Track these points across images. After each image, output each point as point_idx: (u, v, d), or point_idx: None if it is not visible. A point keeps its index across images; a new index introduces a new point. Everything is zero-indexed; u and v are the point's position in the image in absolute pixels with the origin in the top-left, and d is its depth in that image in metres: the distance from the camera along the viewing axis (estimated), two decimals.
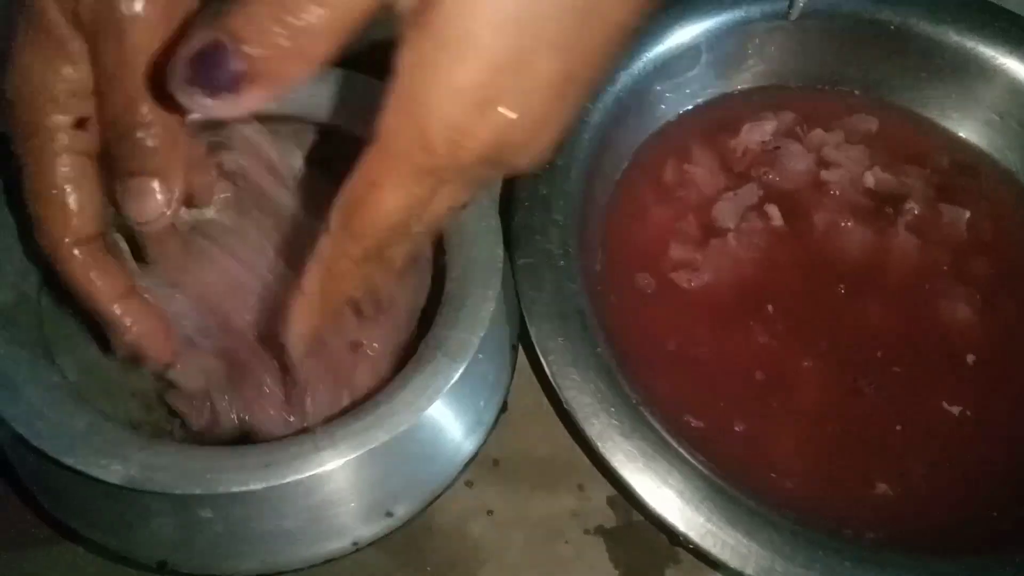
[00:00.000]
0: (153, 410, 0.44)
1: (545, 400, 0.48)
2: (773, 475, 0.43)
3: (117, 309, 0.31)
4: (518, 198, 0.47)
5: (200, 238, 0.37)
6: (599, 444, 0.40)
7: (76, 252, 0.29)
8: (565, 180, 0.49)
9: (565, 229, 0.47)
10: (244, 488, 0.32)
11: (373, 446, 0.34)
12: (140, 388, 0.44)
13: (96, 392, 0.41)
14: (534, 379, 0.48)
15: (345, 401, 0.39)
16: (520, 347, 0.46)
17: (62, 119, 0.27)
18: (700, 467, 0.40)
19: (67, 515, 0.37)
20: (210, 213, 0.37)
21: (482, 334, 0.37)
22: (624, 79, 0.53)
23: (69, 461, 0.32)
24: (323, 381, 0.38)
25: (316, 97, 0.43)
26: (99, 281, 0.30)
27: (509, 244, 0.45)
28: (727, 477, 0.40)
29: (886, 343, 0.48)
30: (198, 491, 0.32)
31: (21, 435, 0.32)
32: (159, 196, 0.28)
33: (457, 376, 0.36)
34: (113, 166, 0.28)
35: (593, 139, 0.51)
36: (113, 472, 0.32)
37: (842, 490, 0.43)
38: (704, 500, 0.38)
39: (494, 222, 0.41)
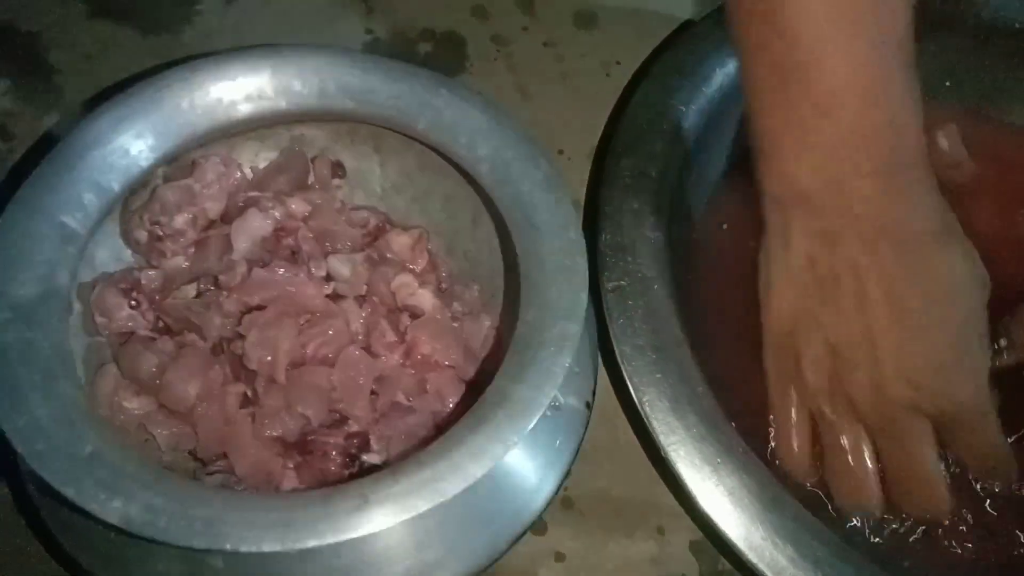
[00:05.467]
0: None
1: (622, 434, 0.43)
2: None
3: None
4: (605, 212, 0.42)
5: None
6: (703, 504, 0.36)
7: None
8: (660, 191, 0.43)
9: (660, 248, 0.41)
10: (254, 548, 0.27)
11: (409, 516, 0.29)
12: None
13: None
14: (611, 410, 0.43)
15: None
16: (602, 372, 0.41)
17: None
18: (821, 529, 0.36)
19: (70, 544, 0.33)
20: None
21: (552, 393, 0.32)
22: (720, 77, 0.46)
23: (68, 492, 0.28)
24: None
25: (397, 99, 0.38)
26: None
27: (596, 265, 0.40)
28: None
29: None
30: (201, 545, 0.27)
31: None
32: None
33: (517, 441, 0.31)
34: None
35: (688, 142, 0.45)
36: (112, 510, 0.28)
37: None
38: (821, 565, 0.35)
39: (580, 260, 0.35)
